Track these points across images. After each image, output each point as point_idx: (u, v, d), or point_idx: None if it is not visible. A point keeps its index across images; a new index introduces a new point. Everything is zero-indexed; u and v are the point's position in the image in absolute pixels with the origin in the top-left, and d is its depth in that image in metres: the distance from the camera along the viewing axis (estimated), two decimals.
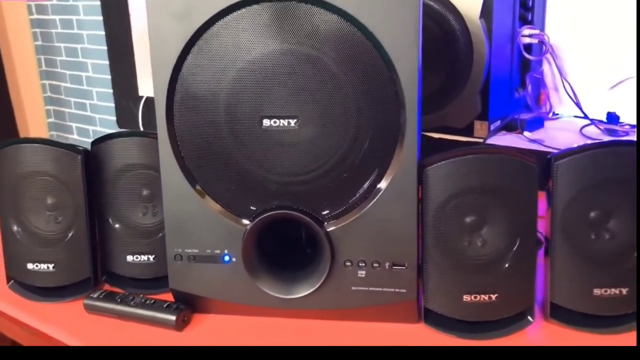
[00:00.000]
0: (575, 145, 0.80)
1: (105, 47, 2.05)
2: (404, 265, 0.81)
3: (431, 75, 1.32)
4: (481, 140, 1.32)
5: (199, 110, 0.81)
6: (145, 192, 0.94)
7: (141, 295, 0.90)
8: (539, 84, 1.46)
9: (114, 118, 2.12)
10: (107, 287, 0.97)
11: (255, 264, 0.85)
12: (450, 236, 0.80)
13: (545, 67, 1.45)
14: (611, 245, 0.80)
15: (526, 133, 1.35)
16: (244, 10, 0.78)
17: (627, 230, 0.80)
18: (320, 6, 0.75)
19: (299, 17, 0.76)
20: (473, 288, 0.81)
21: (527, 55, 1.37)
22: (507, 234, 0.80)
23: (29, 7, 2.28)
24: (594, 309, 0.81)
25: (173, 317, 0.85)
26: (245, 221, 0.83)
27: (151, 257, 0.94)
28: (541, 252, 0.84)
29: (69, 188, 0.92)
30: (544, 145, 1.29)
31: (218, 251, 0.85)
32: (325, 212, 0.82)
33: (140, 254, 0.95)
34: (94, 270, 0.95)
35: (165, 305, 0.87)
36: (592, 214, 0.80)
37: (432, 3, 1.27)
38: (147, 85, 1.65)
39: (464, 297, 0.81)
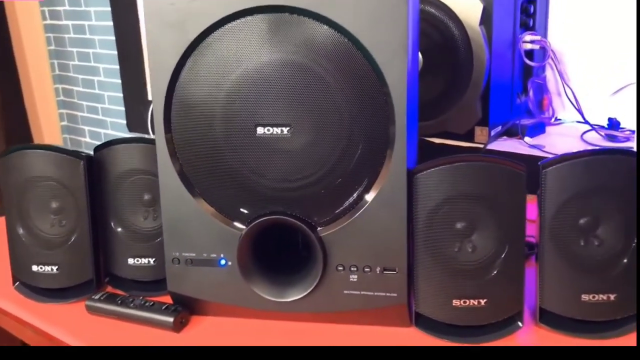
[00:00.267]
0: (564, 153, 0.82)
1: (116, 52, 2.09)
2: (394, 270, 0.83)
3: (432, 81, 1.34)
4: (481, 146, 1.33)
5: (195, 118, 0.83)
6: (146, 197, 0.96)
7: (141, 298, 0.93)
8: (542, 89, 1.47)
9: (125, 122, 2.16)
10: (109, 289, 1.00)
11: (250, 267, 0.87)
12: (441, 242, 0.82)
13: (549, 72, 1.46)
14: (600, 251, 0.81)
15: (527, 138, 1.36)
16: (238, 21, 0.80)
17: (616, 236, 0.81)
18: (312, 17, 0.78)
19: (292, 29, 0.78)
20: (463, 293, 0.82)
21: (528, 61, 1.38)
22: (496, 240, 0.82)
23: (43, 12, 2.32)
24: (582, 314, 0.82)
25: (171, 319, 0.88)
26: (241, 226, 0.86)
27: (152, 260, 0.97)
28: (533, 257, 0.85)
29: (72, 192, 0.95)
30: (544, 151, 1.31)
31: (214, 255, 0.87)
32: (318, 218, 0.84)
33: (141, 257, 0.97)
34: (96, 273, 0.98)
35: (163, 308, 0.89)
36: (582, 221, 0.81)
37: (432, 10, 1.29)
38: None
39: (454, 301, 0.82)
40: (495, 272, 0.82)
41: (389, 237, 0.82)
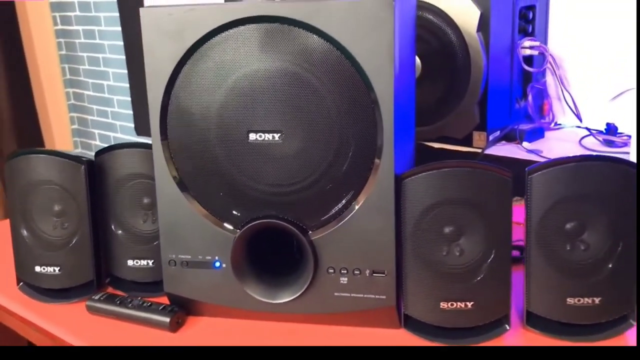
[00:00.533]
0: (550, 159, 0.83)
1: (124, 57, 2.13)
2: (383, 273, 0.85)
3: (431, 87, 1.36)
4: (480, 151, 1.35)
5: (190, 124, 0.86)
6: (145, 201, 0.99)
7: (139, 298, 0.95)
8: (542, 94, 1.48)
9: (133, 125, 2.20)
10: (110, 289, 1.03)
11: (244, 269, 0.89)
12: (429, 245, 0.84)
13: (549, 78, 1.47)
14: (586, 256, 0.83)
15: (525, 143, 1.37)
16: (232, 30, 0.82)
17: (602, 241, 0.82)
18: (303, 28, 0.80)
19: (284, 38, 0.81)
20: (450, 296, 0.84)
21: (526, 67, 1.40)
22: (483, 244, 0.83)
23: (54, 18, 2.37)
24: (568, 317, 0.84)
25: (167, 319, 0.90)
26: (234, 229, 0.88)
27: (150, 262, 1.00)
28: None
29: (74, 196, 0.98)
30: (541, 156, 1.32)
31: (209, 257, 0.90)
32: (309, 222, 0.86)
33: (140, 259, 1.00)
34: (96, 274, 1.01)
35: (160, 308, 0.92)
36: (568, 226, 0.83)
37: (430, 17, 1.31)
38: None
39: (442, 304, 0.84)
40: (482, 276, 0.83)
41: (377, 240, 0.84)
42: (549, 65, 1.43)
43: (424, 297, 0.85)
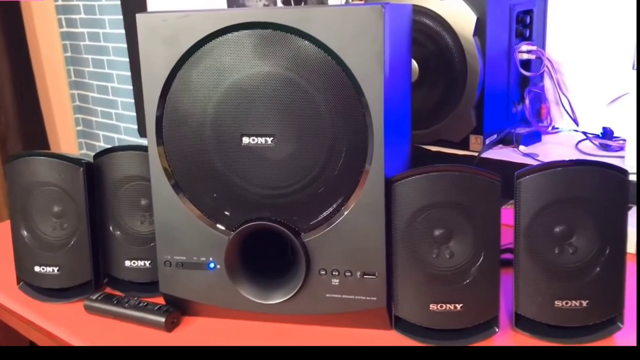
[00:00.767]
0: (540, 163, 0.85)
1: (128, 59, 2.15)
2: (374, 275, 0.86)
3: (428, 90, 1.37)
4: (476, 154, 1.36)
5: (185, 128, 0.87)
6: (143, 202, 1.01)
7: (136, 298, 0.97)
8: (540, 98, 1.49)
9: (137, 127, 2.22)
10: (108, 289, 1.05)
11: (237, 271, 0.91)
12: (419, 248, 0.85)
13: (547, 82, 1.48)
14: (574, 259, 0.84)
15: (522, 147, 1.38)
16: (226, 36, 0.84)
17: (589, 245, 0.84)
18: (295, 34, 0.81)
19: (276, 44, 0.82)
20: (439, 298, 0.85)
21: (523, 71, 1.41)
22: (472, 247, 0.84)
23: (60, 20, 2.39)
24: (556, 320, 0.85)
25: (162, 319, 0.92)
26: (229, 231, 0.90)
27: (147, 263, 1.01)
28: None
29: (72, 197, 1.00)
30: (537, 160, 1.33)
31: (204, 258, 0.91)
32: (301, 224, 0.87)
33: (137, 260, 1.02)
34: (95, 274, 1.02)
35: (156, 308, 0.94)
36: (557, 229, 0.84)
37: (427, 21, 1.32)
38: None
39: (431, 306, 0.86)
40: (471, 278, 0.85)
41: (368, 243, 0.85)
42: (546, 69, 1.44)
43: (414, 299, 0.86)
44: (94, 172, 1.01)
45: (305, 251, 0.87)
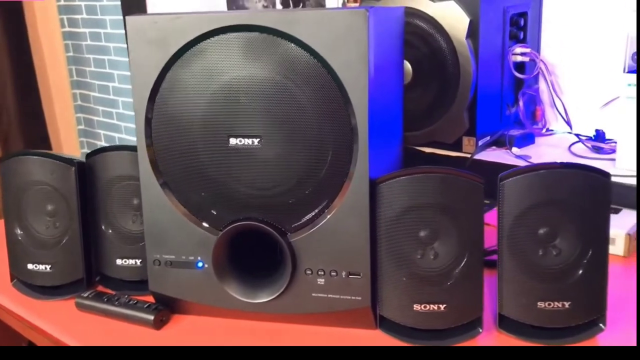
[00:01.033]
0: (523, 166, 0.86)
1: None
2: (359, 275, 0.87)
3: (421, 92, 1.38)
4: (469, 155, 1.37)
5: (174, 128, 0.89)
6: (134, 202, 1.02)
7: (126, 296, 0.99)
8: (535, 100, 1.49)
9: None
10: (100, 287, 1.06)
11: (225, 270, 0.92)
12: (403, 249, 0.86)
13: (542, 84, 1.49)
14: (557, 261, 0.85)
15: (515, 149, 1.39)
16: (215, 38, 0.85)
17: (572, 247, 0.84)
18: (281, 37, 0.83)
19: (264, 46, 0.83)
20: (423, 298, 0.86)
21: (516, 74, 1.41)
22: (456, 248, 0.85)
23: (62, 20, 2.41)
24: (539, 321, 0.86)
25: (151, 317, 0.93)
26: (217, 230, 0.91)
27: (138, 261, 1.03)
28: None
29: (64, 196, 1.01)
30: (529, 162, 1.34)
31: (192, 258, 0.93)
32: (288, 224, 0.88)
33: (128, 258, 1.03)
34: (86, 272, 1.04)
35: (145, 306, 0.95)
36: (541, 231, 0.85)
37: (421, 23, 1.33)
38: None
39: (415, 306, 0.86)
40: (455, 279, 0.86)
41: (353, 243, 0.86)
42: (541, 71, 1.45)
43: (399, 299, 0.87)
44: (86, 172, 1.03)
45: (292, 251, 0.88)
